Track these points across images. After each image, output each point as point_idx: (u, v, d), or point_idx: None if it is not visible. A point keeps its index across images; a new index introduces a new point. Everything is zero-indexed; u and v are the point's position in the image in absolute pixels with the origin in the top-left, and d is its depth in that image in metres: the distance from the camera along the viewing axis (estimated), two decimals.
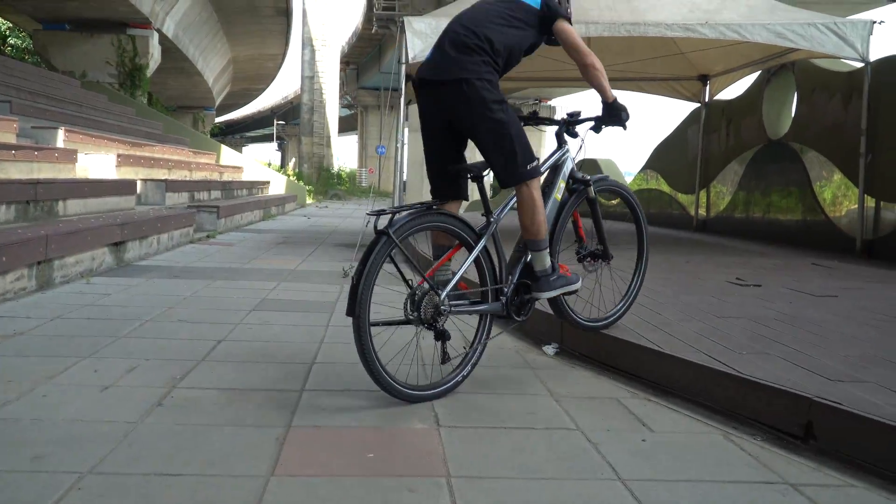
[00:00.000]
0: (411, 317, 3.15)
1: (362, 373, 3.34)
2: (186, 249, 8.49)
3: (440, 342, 3.21)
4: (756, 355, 3.33)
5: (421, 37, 7.58)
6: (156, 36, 25.53)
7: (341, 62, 49.01)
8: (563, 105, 63.72)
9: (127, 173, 11.07)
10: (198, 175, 15.70)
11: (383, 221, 3.01)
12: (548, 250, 3.43)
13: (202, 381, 3.20)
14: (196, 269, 6.94)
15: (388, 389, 2.99)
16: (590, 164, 17.61)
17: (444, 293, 3.13)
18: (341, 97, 53.44)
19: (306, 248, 9.23)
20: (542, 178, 3.50)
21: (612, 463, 2.44)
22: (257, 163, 28.55)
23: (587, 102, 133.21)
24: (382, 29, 34.69)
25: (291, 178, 30.96)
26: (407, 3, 32.45)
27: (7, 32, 30.94)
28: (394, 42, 9.10)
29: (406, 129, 10.81)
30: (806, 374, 3.03)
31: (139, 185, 10.64)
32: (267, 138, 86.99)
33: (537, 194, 3.35)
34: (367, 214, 3.15)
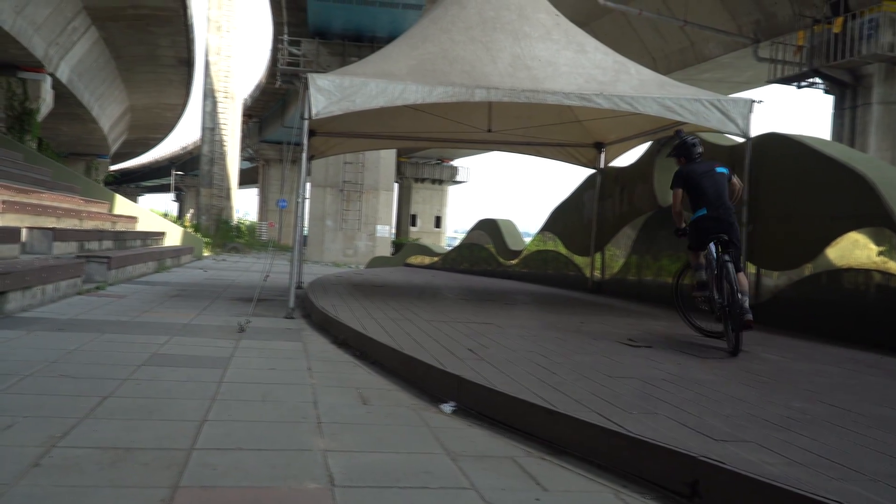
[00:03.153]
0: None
1: (255, 430, 3.28)
2: (74, 301, 8.15)
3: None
4: (645, 415, 3.43)
5: (324, 94, 7.61)
6: (49, 80, 24.80)
7: (244, 115, 48.76)
8: (464, 165, 65.05)
9: (11, 220, 10.60)
10: (89, 224, 15.18)
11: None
12: None
13: (84, 440, 3.06)
14: (83, 321, 6.66)
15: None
16: (489, 224, 17.91)
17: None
18: (243, 150, 53.02)
19: (201, 302, 8.99)
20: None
21: None
22: (153, 213, 27.79)
23: (485, 164, 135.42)
24: (286, 84, 34.78)
25: (189, 229, 30.23)
26: (311, 60, 32.76)
27: None
28: (297, 97, 9.12)
29: (308, 185, 10.77)
30: (692, 433, 3.13)
31: (24, 233, 10.20)
32: (164, 188, 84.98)
33: None
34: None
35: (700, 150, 6.63)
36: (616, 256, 12.03)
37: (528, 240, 16.93)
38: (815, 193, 7.68)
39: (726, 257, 5.98)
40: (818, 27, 20.37)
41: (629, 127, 10.73)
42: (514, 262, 16.17)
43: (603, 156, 12.26)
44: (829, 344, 6.64)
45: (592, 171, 12.68)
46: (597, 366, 4.83)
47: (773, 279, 8.21)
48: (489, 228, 17.90)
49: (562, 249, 14.22)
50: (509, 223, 17.48)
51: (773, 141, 8.28)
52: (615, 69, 8.78)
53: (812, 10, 20.68)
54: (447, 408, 4.03)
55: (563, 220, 14.37)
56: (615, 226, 11.99)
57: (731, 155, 8.92)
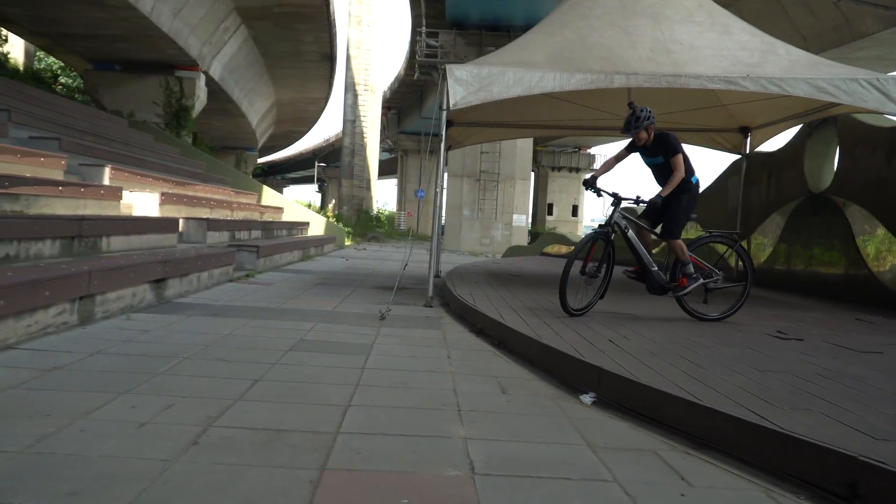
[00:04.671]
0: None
1: (397, 416, 3.34)
2: (226, 288, 8.58)
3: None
4: (798, 411, 3.26)
5: (462, 84, 7.65)
6: (202, 78, 26.17)
7: (383, 107, 49.85)
8: (602, 153, 63.96)
9: (170, 211, 11.27)
10: (239, 215, 15.93)
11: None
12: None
13: (238, 421, 3.21)
14: (234, 307, 7.00)
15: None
16: (631, 213, 17.53)
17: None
18: (382, 141, 54.22)
19: (344, 290, 9.28)
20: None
21: None
22: (298, 204, 28.87)
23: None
24: (424, 76, 35.29)
25: (331, 219, 31.25)
26: (449, 51, 33.05)
27: (58, 71, 31.90)
28: (435, 88, 9.20)
29: (446, 175, 10.88)
30: (850, 431, 2.95)
31: (181, 223, 10.81)
32: (308, 180, 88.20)
33: None
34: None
35: None
36: (763, 245, 11.55)
37: None
38: None
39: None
40: None
41: (778, 110, 10.24)
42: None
43: (749, 140, 11.76)
44: None
45: (737, 156, 12.19)
46: (743, 358, 4.65)
47: None
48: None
49: None
50: None
51: None
52: (762, 50, 8.38)
53: None
54: (587, 399, 3.98)
55: (705, 207, 13.86)
56: (762, 213, 11.50)
57: (893, 137, 8.36)
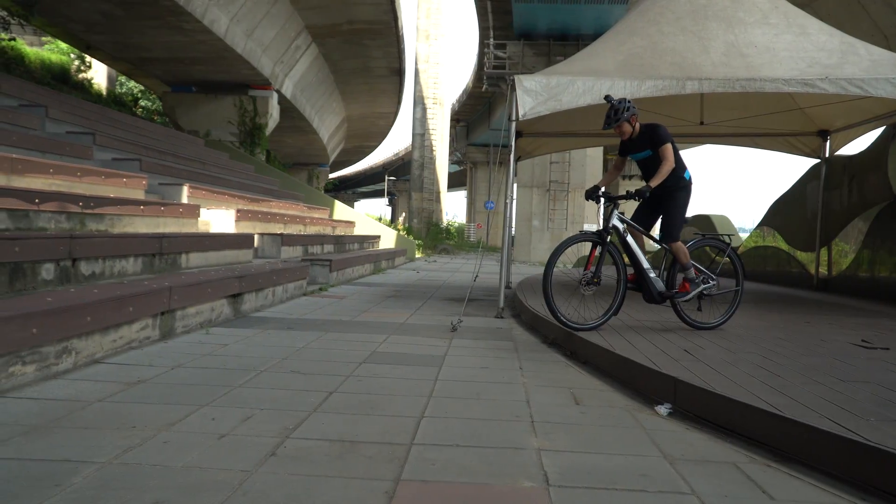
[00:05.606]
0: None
1: (471, 427, 3.34)
2: (300, 301, 8.72)
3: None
4: (886, 423, 3.14)
5: (531, 94, 7.64)
6: (275, 96, 26.75)
7: (451, 119, 50.07)
8: None
9: (245, 228, 11.53)
10: (312, 229, 16.19)
11: None
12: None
13: (314, 432, 3.26)
14: (309, 321, 7.11)
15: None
16: (702, 220, 17.23)
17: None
18: (451, 153, 54.45)
19: (415, 302, 9.33)
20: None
21: None
22: (368, 217, 29.20)
23: (696, 158, 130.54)
24: (492, 87, 35.32)
25: (401, 232, 31.51)
26: (517, 62, 33.05)
27: (139, 95, 33.06)
28: (503, 100, 9.20)
29: (515, 186, 10.85)
30: None
31: (256, 239, 11.05)
32: (378, 193, 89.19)
33: None
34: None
35: None
36: (845, 252, 11.19)
37: (744, 236, 16.13)
38: None
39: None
40: None
41: (858, 112, 9.93)
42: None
43: (828, 144, 11.42)
44: None
45: (816, 160, 11.85)
46: (826, 368, 4.50)
47: None
48: (702, 225, 17.22)
49: (782, 245, 13.41)
50: (724, 218, 16.74)
51: None
52: (842, 50, 8.14)
53: None
54: (663, 410, 3.91)
55: (783, 213, 13.55)
56: (844, 219, 11.14)
57: None
